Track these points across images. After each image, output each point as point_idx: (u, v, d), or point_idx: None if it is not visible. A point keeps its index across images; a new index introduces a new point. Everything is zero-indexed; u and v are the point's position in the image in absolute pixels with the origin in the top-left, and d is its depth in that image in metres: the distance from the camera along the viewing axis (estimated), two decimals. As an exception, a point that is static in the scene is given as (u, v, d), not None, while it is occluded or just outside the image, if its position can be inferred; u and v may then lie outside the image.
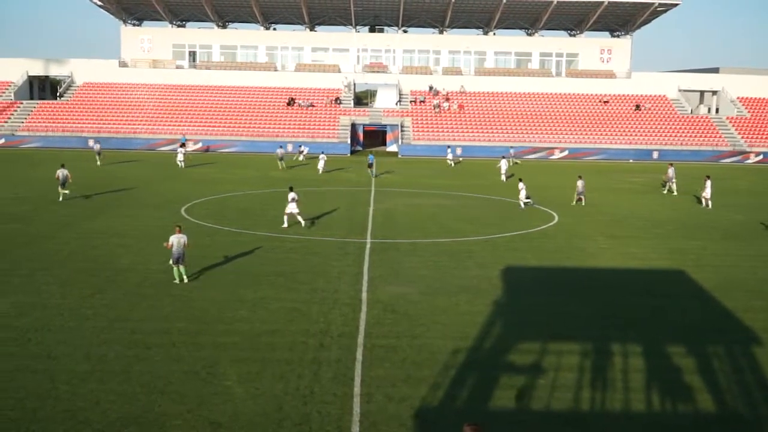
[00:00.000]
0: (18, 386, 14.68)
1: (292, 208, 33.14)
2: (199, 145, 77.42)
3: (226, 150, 76.06)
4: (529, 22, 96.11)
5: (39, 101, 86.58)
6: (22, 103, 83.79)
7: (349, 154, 76.83)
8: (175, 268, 23.12)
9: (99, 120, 79.88)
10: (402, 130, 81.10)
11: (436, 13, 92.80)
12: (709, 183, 43.08)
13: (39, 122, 79.75)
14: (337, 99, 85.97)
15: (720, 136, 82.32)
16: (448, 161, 69.36)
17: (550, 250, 29.66)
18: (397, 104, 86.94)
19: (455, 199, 44.09)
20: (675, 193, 48.87)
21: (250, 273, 24.39)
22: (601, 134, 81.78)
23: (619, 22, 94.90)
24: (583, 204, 42.72)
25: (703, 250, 30.16)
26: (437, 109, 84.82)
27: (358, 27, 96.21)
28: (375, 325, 19.02)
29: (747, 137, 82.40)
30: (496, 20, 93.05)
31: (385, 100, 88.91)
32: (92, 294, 21.45)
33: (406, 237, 31.45)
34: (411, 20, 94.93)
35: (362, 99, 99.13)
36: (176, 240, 22.90)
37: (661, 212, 40.52)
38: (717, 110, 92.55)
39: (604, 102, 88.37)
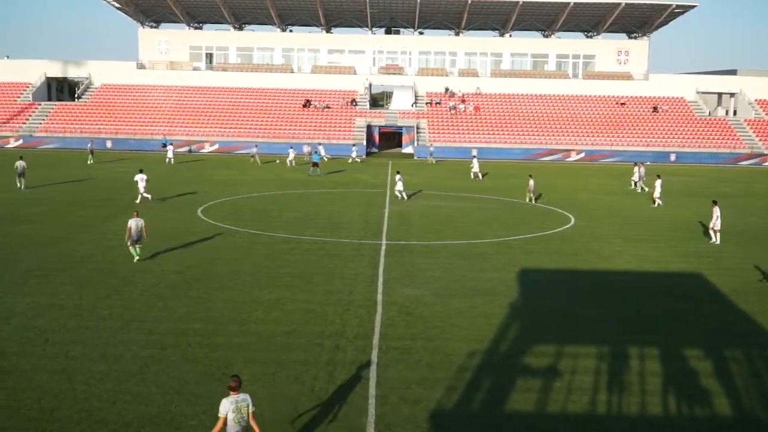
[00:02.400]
0: (35, 386, 14.77)
1: (141, 187, 39.98)
2: (216, 146, 77.79)
3: (242, 152, 76.20)
4: (545, 23, 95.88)
5: (57, 102, 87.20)
6: (40, 105, 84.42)
7: (364, 156, 76.89)
8: (131, 249, 25.69)
9: (116, 121, 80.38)
10: (418, 132, 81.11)
11: (452, 15, 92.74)
12: (659, 182, 44.17)
13: (57, 123, 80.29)
14: (353, 101, 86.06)
15: (738, 139, 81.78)
16: (350, 159, 70.50)
17: (566, 252, 29.55)
18: (412, 106, 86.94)
19: (470, 201, 44.02)
20: (639, 190, 51.37)
21: (266, 274, 24.45)
22: (618, 136, 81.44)
23: (637, 24, 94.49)
24: (534, 203, 43.52)
25: (720, 253, 29.97)
26: (453, 111, 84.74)
27: (374, 29, 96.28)
28: (390, 327, 19.01)
29: (765, 140, 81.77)
30: (513, 22, 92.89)
31: (400, 102, 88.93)
32: (109, 294, 21.57)
33: (421, 239, 31.43)
34: (427, 22, 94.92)
35: (378, 101, 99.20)
36: (134, 223, 25.50)
37: (677, 215, 40.28)
38: (735, 112, 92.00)
39: (621, 104, 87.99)
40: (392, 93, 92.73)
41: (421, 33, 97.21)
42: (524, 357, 17.19)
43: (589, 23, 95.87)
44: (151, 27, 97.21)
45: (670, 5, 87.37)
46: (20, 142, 78.15)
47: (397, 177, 44.71)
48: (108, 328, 18.48)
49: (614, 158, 78.41)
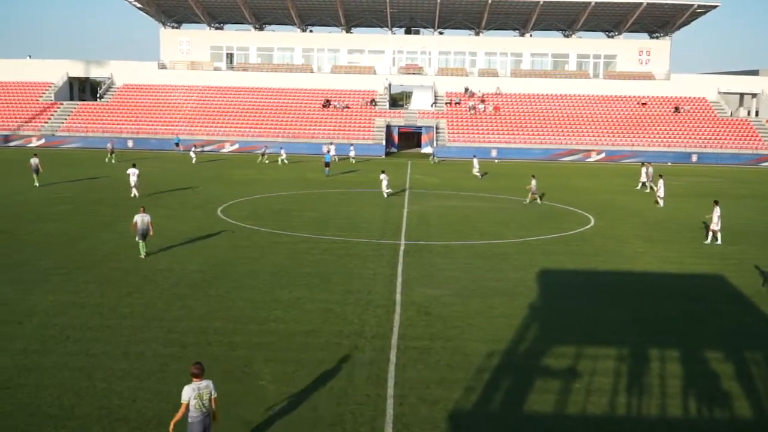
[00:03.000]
0: (56, 383, 14.91)
1: (133, 181, 41.33)
2: (236, 146, 78.10)
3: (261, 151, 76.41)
4: (566, 23, 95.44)
5: (79, 102, 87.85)
6: (62, 104, 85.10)
7: (383, 156, 76.92)
8: (141, 243, 26.39)
9: (138, 121, 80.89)
10: (437, 132, 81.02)
11: (472, 15, 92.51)
12: (662, 182, 44.28)
13: (79, 123, 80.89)
14: (372, 101, 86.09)
15: (760, 140, 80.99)
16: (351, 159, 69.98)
17: (587, 253, 29.42)
18: (432, 106, 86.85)
19: (490, 202, 43.92)
20: (647, 190, 51.18)
21: (285, 274, 24.53)
22: (639, 137, 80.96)
23: (658, 24, 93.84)
24: (534, 202, 43.53)
25: (743, 255, 29.69)
26: (473, 111, 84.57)
27: (393, 29, 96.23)
28: (409, 327, 19.02)
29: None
30: (533, 22, 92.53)
31: (420, 102, 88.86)
32: (130, 293, 21.73)
33: (440, 239, 31.40)
34: (447, 22, 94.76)
35: (397, 101, 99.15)
36: (140, 219, 26.30)
37: (699, 216, 39.93)
38: (757, 113, 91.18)
39: (643, 104, 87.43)
40: (412, 93, 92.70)
41: (441, 33, 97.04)
42: (544, 358, 17.14)
43: (610, 23, 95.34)
44: (173, 27, 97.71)
45: (692, 5, 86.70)
46: (42, 141, 78.80)
47: (382, 176, 45.02)
48: (129, 326, 18.62)
49: (635, 159, 77.80)
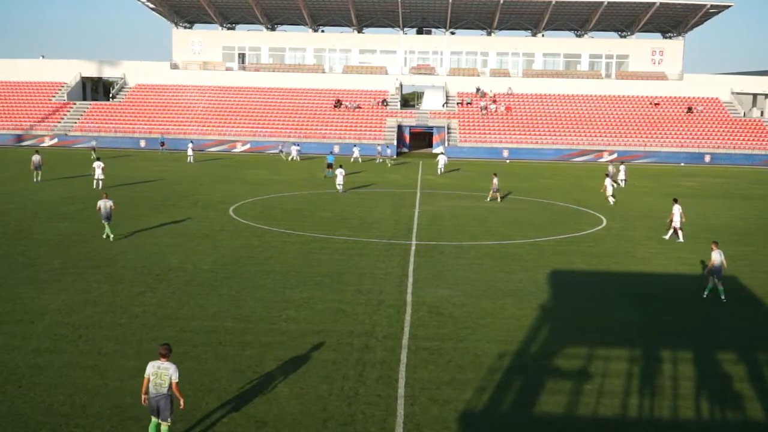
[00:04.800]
0: (68, 382, 14.97)
1: (98, 174, 44.70)
2: (248, 146, 78.28)
3: (274, 151, 76.59)
4: (578, 23, 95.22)
5: (92, 102, 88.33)
6: (75, 104, 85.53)
7: (395, 156, 76.91)
8: (106, 225, 29.16)
9: (150, 121, 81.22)
10: (448, 132, 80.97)
11: (484, 15, 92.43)
12: (608, 181, 44.81)
13: (91, 123, 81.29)
14: (384, 101, 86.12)
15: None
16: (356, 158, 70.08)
17: (598, 254, 29.32)
18: (443, 106, 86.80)
19: (501, 202, 43.80)
20: (623, 185, 51.32)
21: (296, 273, 24.54)
22: (652, 137, 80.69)
23: (671, 24, 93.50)
24: (499, 201, 43.89)
25: (756, 256, 29.53)
26: (484, 111, 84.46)
27: (405, 29, 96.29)
28: (420, 327, 19.00)
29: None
30: (545, 22, 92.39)
31: (431, 102, 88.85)
32: (142, 292, 21.79)
33: (451, 239, 31.36)
34: (459, 22, 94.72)
35: (409, 101, 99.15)
36: (103, 203, 29.02)
37: (712, 217, 39.80)
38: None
39: (655, 104, 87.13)
40: (423, 93, 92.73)
41: (452, 33, 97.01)
42: (555, 359, 17.09)
43: (622, 23, 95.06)
44: (185, 27, 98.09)
45: (705, 5, 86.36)
46: (55, 141, 79.23)
47: (339, 170, 46.43)
48: (141, 325, 18.67)
49: (648, 159, 77.63)
